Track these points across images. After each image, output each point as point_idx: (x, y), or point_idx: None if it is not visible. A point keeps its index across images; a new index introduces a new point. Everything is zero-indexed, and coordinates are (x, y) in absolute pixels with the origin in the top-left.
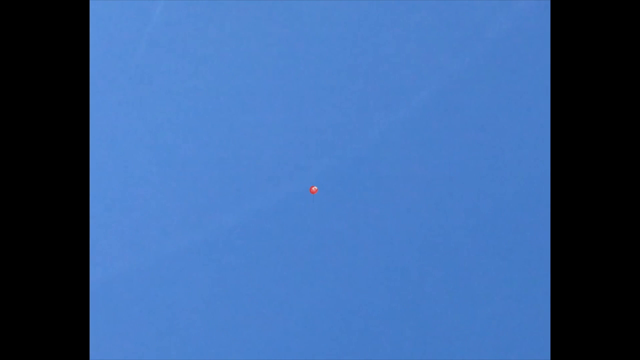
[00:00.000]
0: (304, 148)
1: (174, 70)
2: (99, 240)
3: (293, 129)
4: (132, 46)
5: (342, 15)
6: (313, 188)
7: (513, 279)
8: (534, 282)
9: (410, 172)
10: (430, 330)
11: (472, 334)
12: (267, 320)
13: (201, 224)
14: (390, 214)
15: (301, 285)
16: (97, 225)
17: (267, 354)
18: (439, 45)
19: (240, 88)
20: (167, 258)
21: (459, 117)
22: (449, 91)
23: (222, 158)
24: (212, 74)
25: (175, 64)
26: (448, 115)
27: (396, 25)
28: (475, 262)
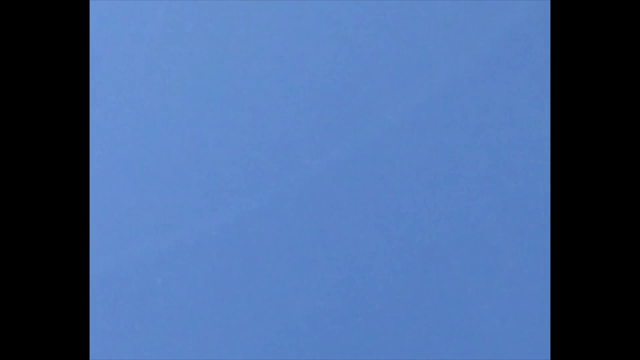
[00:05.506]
0: (303, 146)
1: (174, 67)
2: (97, 238)
3: (293, 127)
4: (132, 46)
5: (342, 14)
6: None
7: (513, 279)
8: (534, 282)
9: (408, 171)
10: (429, 330)
11: (471, 334)
12: (271, 319)
13: (204, 219)
14: (388, 214)
15: (304, 282)
16: (96, 222)
17: (271, 353)
18: (437, 44)
19: (237, 86)
20: (169, 255)
21: (457, 117)
22: (446, 91)
23: (222, 152)
24: (211, 70)
25: (175, 62)
26: (446, 116)
27: (393, 24)
28: (474, 261)
